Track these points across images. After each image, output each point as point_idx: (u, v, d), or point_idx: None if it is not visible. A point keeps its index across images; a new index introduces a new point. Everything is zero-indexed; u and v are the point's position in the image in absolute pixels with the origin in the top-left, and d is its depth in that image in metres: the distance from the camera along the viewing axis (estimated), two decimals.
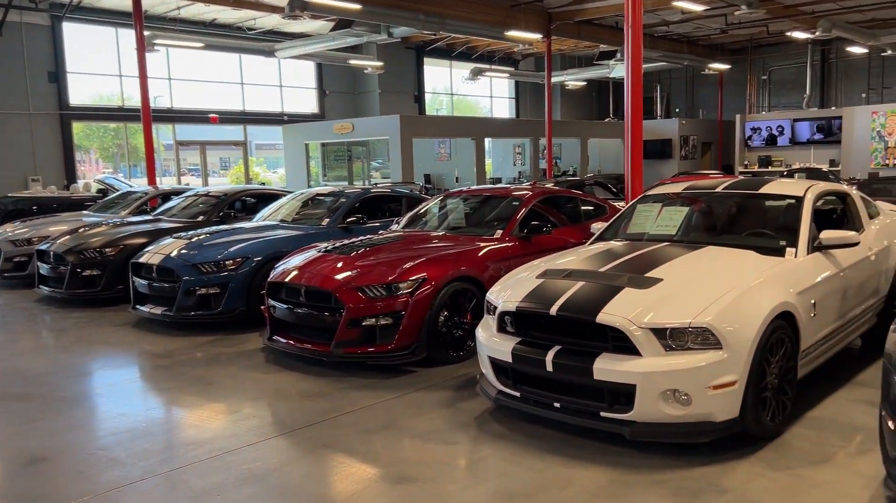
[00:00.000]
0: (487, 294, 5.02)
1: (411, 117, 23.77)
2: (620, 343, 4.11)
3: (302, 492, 3.87)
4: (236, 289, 7.38)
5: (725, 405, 4.00)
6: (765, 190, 5.60)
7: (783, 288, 4.43)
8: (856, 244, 5.00)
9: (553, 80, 26.36)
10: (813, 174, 17.62)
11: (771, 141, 28.82)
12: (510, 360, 4.49)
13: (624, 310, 4.13)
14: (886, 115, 25.21)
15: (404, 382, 5.69)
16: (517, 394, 4.56)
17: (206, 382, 5.87)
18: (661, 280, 4.39)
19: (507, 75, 30.34)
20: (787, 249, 4.93)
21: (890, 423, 3.34)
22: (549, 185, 10.14)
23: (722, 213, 5.83)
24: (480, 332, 4.85)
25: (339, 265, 6.23)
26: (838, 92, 29.84)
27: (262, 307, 6.74)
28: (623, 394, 4.11)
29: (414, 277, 5.91)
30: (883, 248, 5.85)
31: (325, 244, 7.02)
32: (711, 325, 3.99)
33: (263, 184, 22.18)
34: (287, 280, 6.33)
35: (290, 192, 10.34)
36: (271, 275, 6.62)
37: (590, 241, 5.95)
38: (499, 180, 28.83)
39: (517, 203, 7.24)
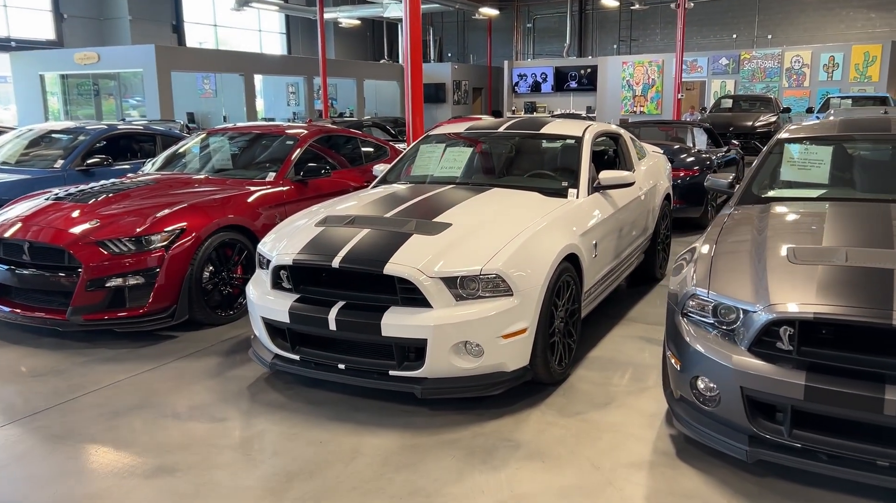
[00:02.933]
0: (259, 245, 4.40)
1: (169, 48, 21.53)
2: (410, 295, 3.74)
3: (25, 501, 3.09)
4: None
5: (516, 354, 3.81)
6: (545, 130, 5.49)
7: (568, 230, 4.32)
8: (632, 184, 5.05)
9: (326, 16, 25.26)
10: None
11: (536, 87, 30.27)
12: (287, 321, 3.94)
13: (413, 260, 3.75)
14: (634, 65, 27.43)
15: (162, 351, 4.92)
16: (296, 357, 4.04)
17: None
18: (450, 225, 4.07)
19: (276, 8, 28.61)
20: (569, 190, 4.85)
21: (675, 363, 3.32)
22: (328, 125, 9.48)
23: (504, 153, 5.65)
24: (252, 290, 4.24)
25: (75, 215, 5.20)
26: (594, 42, 31.97)
27: None
28: (413, 350, 3.77)
29: (170, 228, 5.09)
30: (651, 188, 6.05)
31: (58, 190, 5.87)
32: (502, 272, 3.74)
33: None
34: (6, 235, 5.17)
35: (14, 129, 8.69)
36: None
37: (372, 185, 5.51)
38: (272, 121, 27.44)
39: (292, 142, 6.57)
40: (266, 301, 4.06)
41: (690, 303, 3.31)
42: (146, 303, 4.99)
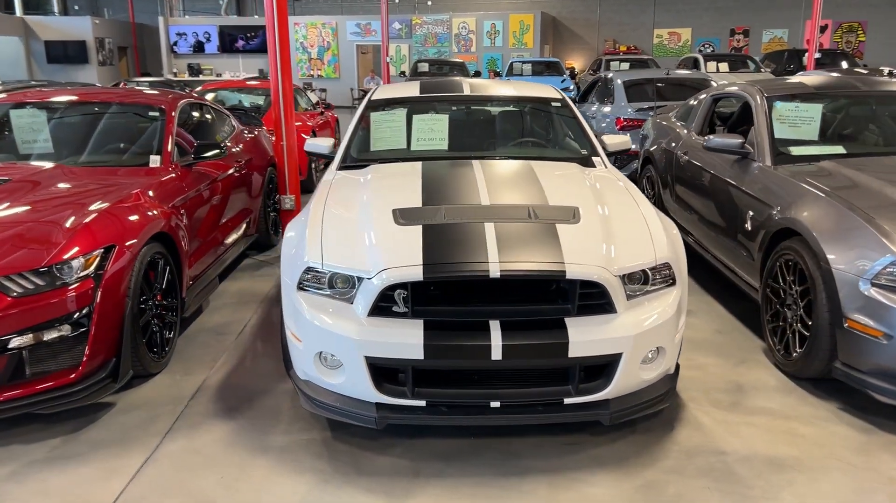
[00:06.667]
0: (315, 260, 3.11)
1: None
2: (587, 301, 3.00)
3: None
4: None
5: (677, 350, 3.33)
6: (524, 93, 4.88)
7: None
8: (630, 149, 4.76)
9: None
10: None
11: (199, 48, 27.75)
12: (421, 357, 2.88)
13: (589, 256, 3.00)
14: (307, 27, 26.69)
15: (121, 430, 3.30)
16: (420, 403, 2.99)
17: None
18: (578, 209, 3.36)
19: None
20: (593, 159, 4.40)
21: (875, 336, 3.18)
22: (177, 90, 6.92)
23: (490, 120, 4.90)
24: (328, 321, 2.99)
25: None
26: (254, 1, 30.28)
27: None
28: (596, 369, 3.05)
29: (75, 249, 3.36)
30: None
31: None
32: (671, 260, 3.22)
33: None
34: None
35: None
36: None
37: (337, 165, 4.35)
38: None
39: (156, 113, 4.85)
40: (372, 334, 2.92)
41: (885, 271, 3.20)
42: (80, 364, 3.28)
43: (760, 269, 4.11)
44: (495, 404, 3.00)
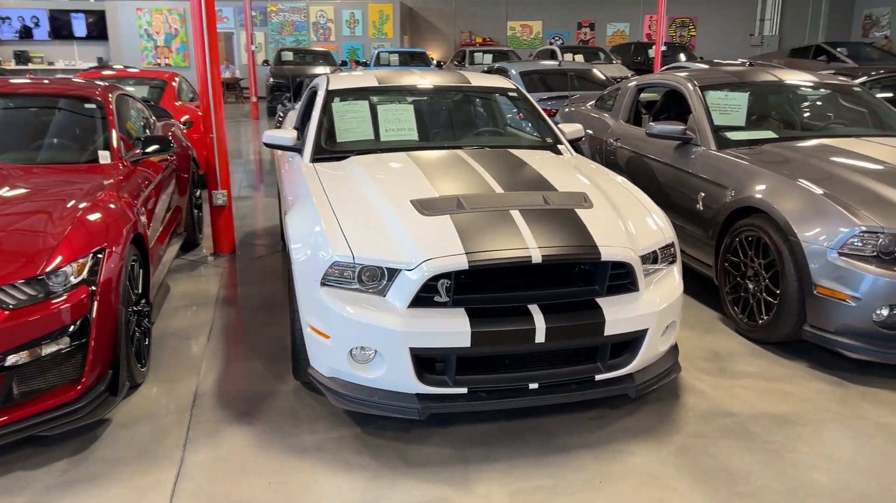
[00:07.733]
0: (342, 254, 3.03)
1: None
2: (616, 282, 3.16)
3: None
4: None
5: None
6: (478, 83, 4.93)
7: None
8: (582, 138, 4.98)
9: None
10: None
11: (26, 34, 25.31)
12: (468, 345, 2.92)
13: (616, 239, 3.16)
14: (152, 12, 25.14)
15: (141, 445, 3.06)
16: (462, 390, 3.02)
17: None
18: (586, 193, 3.50)
19: None
20: (559, 146, 4.57)
21: (848, 299, 3.57)
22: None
23: (453, 111, 4.90)
24: (366, 315, 2.95)
25: None
26: None
27: None
28: (619, 345, 3.21)
29: (68, 253, 3.07)
30: None
31: None
32: (674, 239, 3.47)
33: None
34: None
35: None
36: None
37: (311, 157, 4.21)
38: None
39: (94, 105, 4.45)
40: (418, 325, 2.91)
41: (850, 242, 3.61)
42: (82, 377, 3.00)
43: (716, 247, 4.46)
44: (533, 386, 3.09)
